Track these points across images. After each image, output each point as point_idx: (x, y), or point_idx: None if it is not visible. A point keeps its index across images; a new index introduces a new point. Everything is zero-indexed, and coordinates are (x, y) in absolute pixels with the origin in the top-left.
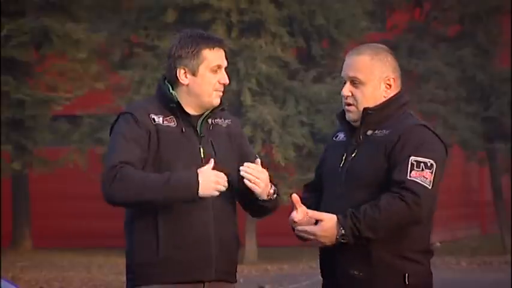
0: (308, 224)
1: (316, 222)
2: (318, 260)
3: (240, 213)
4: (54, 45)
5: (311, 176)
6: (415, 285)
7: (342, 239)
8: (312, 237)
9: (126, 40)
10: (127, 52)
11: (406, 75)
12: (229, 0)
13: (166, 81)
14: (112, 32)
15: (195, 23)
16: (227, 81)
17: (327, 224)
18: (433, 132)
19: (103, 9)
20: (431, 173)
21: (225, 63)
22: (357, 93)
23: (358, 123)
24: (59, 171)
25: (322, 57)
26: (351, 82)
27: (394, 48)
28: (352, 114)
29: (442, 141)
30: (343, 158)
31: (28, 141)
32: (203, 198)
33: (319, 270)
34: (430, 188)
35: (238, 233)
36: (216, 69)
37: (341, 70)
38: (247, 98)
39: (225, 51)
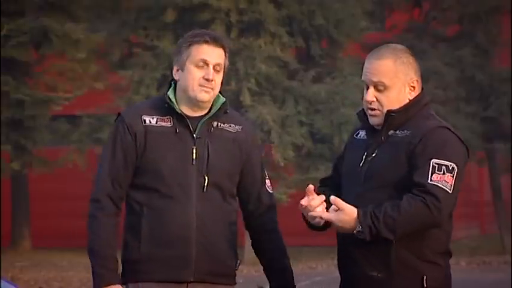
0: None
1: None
2: (318, 260)
3: (239, 213)
4: (54, 45)
5: (310, 175)
6: (433, 287)
7: (358, 235)
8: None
9: (126, 40)
10: (126, 52)
11: None
12: (228, 0)
13: (171, 82)
14: (111, 32)
15: (194, 23)
16: (210, 77)
17: (345, 217)
18: (455, 135)
19: (102, 9)
20: (453, 176)
21: (214, 61)
22: (382, 98)
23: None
24: (58, 171)
25: (321, 57)
26: (374, 87)
27: None
28: (376, 119)
29: (463, 144)
30: (364, 157)
31: (27, 141)
32: (185, 199)
33: (337, 269)
34: (450, 192)
35: (233, 234)
36: (201, 64)
37: (341, 70)
38: (246, 98)
39: (225, 50)
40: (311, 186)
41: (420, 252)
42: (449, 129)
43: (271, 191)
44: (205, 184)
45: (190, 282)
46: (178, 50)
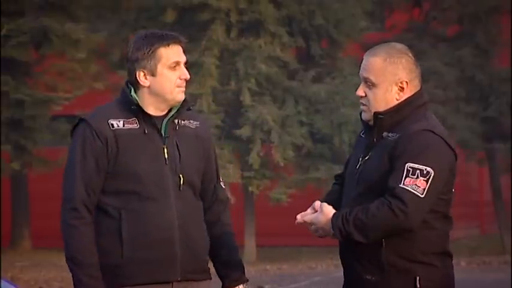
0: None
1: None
2: (317, 260)
3: (238, 213)
4: (54, 45)
5: (310, 175)
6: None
7: (333, 237)
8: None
9: (125, 40)
10: (126, 52)
11: None
12: (228, 0)
13: (129, 85)
14: (111, 32)
15: (194, 23)
16: (187, 76)
17: (323, 218)
18: (442, 138)
19: (102, 9)
20: (426, 181)
21: (183, 59)
22: (369, 94)
23: (372, 123)
24: (58, 171)
25: (321, 57)
26: (364, 82)
27: None
28: (366, 115)
29: (450, 147)
30: (360, 159)
31: (27, 141)
32: (164, 199)
33: (336, 269)
34: (422, 196)
35: (205, 230)
36: (174, 66)
37: (341, 70)
38: (246, 98)
39: (182, 46)
40: (318, 203)
41: (409, 253)
42: (434, 133)
43: (224, 186)
44: (181, 183)
45: (176, 281)
46: (141, 54)
